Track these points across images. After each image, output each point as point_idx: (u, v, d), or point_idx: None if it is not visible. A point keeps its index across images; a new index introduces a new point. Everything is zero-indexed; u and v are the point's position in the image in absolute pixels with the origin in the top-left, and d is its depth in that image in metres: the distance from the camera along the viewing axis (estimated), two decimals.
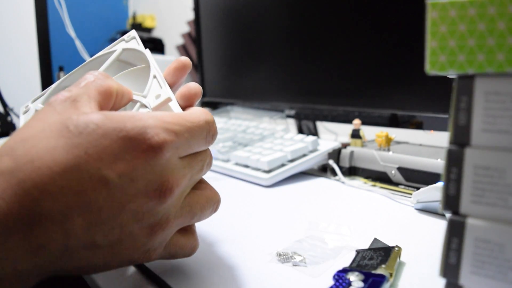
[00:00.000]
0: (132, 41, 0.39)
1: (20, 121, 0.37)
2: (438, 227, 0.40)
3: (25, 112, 0.38)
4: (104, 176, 0.23)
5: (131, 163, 0.23)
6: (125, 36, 0.39)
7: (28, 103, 0.38)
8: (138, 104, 0.33)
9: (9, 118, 1.06)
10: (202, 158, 0.29)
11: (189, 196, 0.29)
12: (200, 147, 0.29)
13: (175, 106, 0.34)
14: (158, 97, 0.33)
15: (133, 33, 0.39)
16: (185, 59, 0.36)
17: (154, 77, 0.35)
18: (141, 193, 0.24)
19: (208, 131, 0.29)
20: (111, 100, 0.28)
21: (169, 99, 0.32)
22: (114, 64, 0.37)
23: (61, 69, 1.23)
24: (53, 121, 0.24)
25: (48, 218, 0.22)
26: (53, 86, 0.38)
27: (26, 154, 0.22)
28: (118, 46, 0.39)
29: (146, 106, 0.32)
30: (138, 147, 0.24)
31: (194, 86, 0.34)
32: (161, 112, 0.27)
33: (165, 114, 0.26)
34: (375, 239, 0.35)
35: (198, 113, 0.29)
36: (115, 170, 0.23)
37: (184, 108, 0.34)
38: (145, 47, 0.39)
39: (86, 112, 0.25)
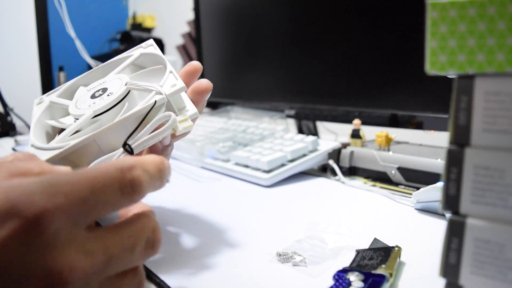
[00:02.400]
0: (149, 47, 0.40)
1: (33, 111, 0.38)
2: (438, 227, 0.40)
3: (39, 103, 0.39)
4: None
5: (2, 245, 0.17)
6: (142, 44, 0.41)
7: (43, 96, 0.40)
8: (153, 93, 0.34)
9: (9, 118, 1.06)
10: (132, 235, 0.21)
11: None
12: (114, 206, 0.21)
13: (186, 98, 0.36)
14: (173, 86, 0.34)
15: (151, 41, 0.41)
16: (196, 63, 0.38)
17: (171, 72, 0.36)
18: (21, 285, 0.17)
19: (122, 181, 0.20)
20: None
21: (184, 88, 0.34)
22: (130, 67, 0.39)
23: (61, 69, 1.23)
24: None
25: None
26: (69, 82, 0.40)
27: None
28: (136, 52, 0.40)
29: (161, 93, 0.33)
30: (9, 225, 0.17)
31: (205, 82, 0.36)
32: (45, 180, 0.19)
33: (53, 180, 0.19)
34: (375, 239, 0.35)
35: (107, 167, 0.21)
36: None
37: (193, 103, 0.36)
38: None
39: None
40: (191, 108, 0.35)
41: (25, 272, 0.17)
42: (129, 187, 0.21)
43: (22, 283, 0.17)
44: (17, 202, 0.17)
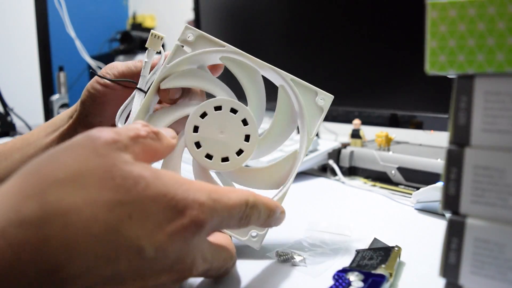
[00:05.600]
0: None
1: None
2: (438, 227, 0.40)
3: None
4: (142, 246, 0.20)
5: (171, 237, 0.21)
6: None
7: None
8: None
9: (9, 118, 1.06)
10: (226, 258, 0.28)
11: None
12: (230, 226, 0.27)
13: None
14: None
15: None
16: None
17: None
18: (165, 270, 0.22)
19: (244, 213, 0.26)
20: (151, 163, 0.26)
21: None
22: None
23: (61, 69, 1.23)
24: (95, 165, 0.21)
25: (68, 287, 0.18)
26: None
27: (58, 203, 0.19)
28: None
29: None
30: (182, 221, 0.22)
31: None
32: (208, 186, 0.25)
33: (213, 189, 0.24)
34: (375, 239, 0.35)
35: (241, 194, 0.27)
36: (154, 241, 0.21)
37: None
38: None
39: (132, 162, 0.22)
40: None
41: (176, 258, 0.22)
42: (244, 220, 0.27)
43: (171, 265, 0.22)
44: (190, 206, 0.22)
